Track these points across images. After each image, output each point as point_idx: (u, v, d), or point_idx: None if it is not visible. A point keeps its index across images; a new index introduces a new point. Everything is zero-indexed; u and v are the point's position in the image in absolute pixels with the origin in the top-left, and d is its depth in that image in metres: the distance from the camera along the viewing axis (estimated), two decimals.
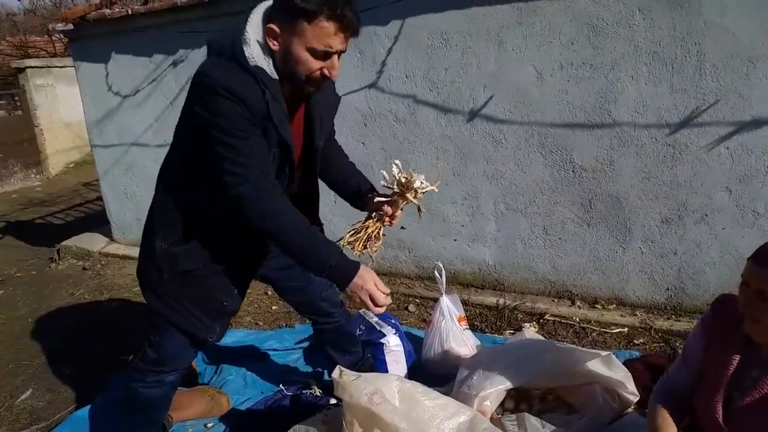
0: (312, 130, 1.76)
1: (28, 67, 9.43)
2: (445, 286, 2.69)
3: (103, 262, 4.65)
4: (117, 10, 4.23)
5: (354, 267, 1.65)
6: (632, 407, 2.14)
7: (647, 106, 2.81)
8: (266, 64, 1.54)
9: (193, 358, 2.04)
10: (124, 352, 3.00)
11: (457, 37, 3.14)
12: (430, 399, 1.76)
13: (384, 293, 1.66)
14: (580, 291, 3.22)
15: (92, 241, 5.01)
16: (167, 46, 4.12)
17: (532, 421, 1.95)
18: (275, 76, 1.56)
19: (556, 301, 3.24)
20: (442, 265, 2.72)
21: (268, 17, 1.55)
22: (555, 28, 2.90)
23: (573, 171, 3.05)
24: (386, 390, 1.70)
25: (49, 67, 9.73)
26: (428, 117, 3.35)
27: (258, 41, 1.54)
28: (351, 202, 2.04)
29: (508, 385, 2.09)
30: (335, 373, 1.71)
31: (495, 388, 2.03)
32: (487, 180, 3.29)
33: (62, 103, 9.73)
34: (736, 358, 1.48)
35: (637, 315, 3.00)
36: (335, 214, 3.83)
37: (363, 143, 3.59)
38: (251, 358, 2.77)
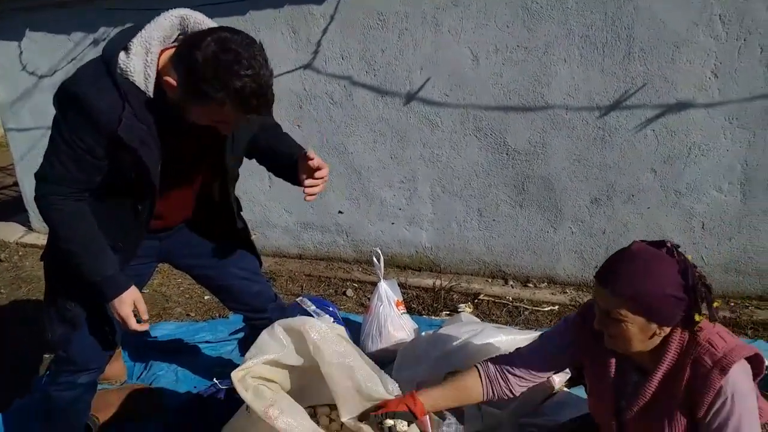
0: (222, 150, 1.68)
1: None
2: (383, 271, 2.68)
3: (20, 253, 4.37)
4: None
5: (122, 286, 1.62)
6: (563, 385, 2.20)
7: (579, 89, 2.86)
8: (142, 81, 1.44)
9: (108, 357, 1.89)
10: (44, 351, 2.83)
11: (393, 18, 3.08)
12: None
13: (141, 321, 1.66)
14: (512, 271, 3.28)
15: (9, 231, 4.70)
16: (87, 23, 3.85)
17: None
18: (150, 92, 1.46)
19: (490, 281, 3.30)
20: (380, 251, 2.71)
21: (170, 62, 1.42)
22: (491, 10, 2.89)
23: (507, 154, 3.08)
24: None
25: None
26: (365, 99, 3.30)
27: (145, 55, 1.42)
28: (286, 175, 1.86)
29: (445, 369, 2.10)
30: (234, 376, 1.55)
31: (432, 373, 2.04)
32: (424, 163, 3.28)
33: None
34: (612, 363, 1.48)
35: (567, 293, 3.09)
36: (270, 199, 3.75)
37: (299, 126, 3.49)
38: (183, 351, 2.68)
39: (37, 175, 1.54)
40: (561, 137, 2.96)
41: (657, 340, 1.34)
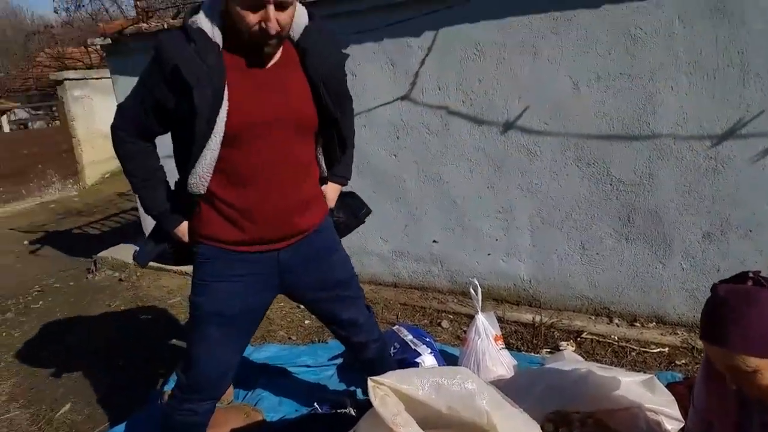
0: (319, 98, 1.68)
1: (66, 79, 9.70)
2: (480, 304, 2.65)
3: (138, 274, 4.72)
4: (153, 23, 4.32)
5: (173, 223, 1.80)
6: None
7: (687, 117, 2.73)
8: (209, 27, 1.55)
9: (229, 384, 2.00)
10: (161, 366, 3.04)
11: (491, 48, 3.10)
12: None
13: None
14: (618, 308, 3.13)
15: (128, 253, 5.05)
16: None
17: None
18: (217, 39, 1.55)
19: (593, 318, 3.16)
20: (477, 282, 2.68)
21: None
22: (591, 37, 2.84)
23: (611, 184, 2.98)
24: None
25: (86, 78, 10.00)
26: (461, 129, 3.32)
27: (209, 6, 1.58)
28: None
29: (547, 408, 2.04)
30: (369, 381, 1.60)
31: (534, 410, 1.98)
32: (521, 193, 3.24)
33: (98, 113, 9.96)
34: (735, 403, 1.42)
35: (678, 334, 2.90)
36: (367, 226, 3.84)
37: (395, 155, 3.57)
38: (285, 374, 2.77)
39: (118, 105, 1.75)
40: (669, 167, 2.83)
41: None
